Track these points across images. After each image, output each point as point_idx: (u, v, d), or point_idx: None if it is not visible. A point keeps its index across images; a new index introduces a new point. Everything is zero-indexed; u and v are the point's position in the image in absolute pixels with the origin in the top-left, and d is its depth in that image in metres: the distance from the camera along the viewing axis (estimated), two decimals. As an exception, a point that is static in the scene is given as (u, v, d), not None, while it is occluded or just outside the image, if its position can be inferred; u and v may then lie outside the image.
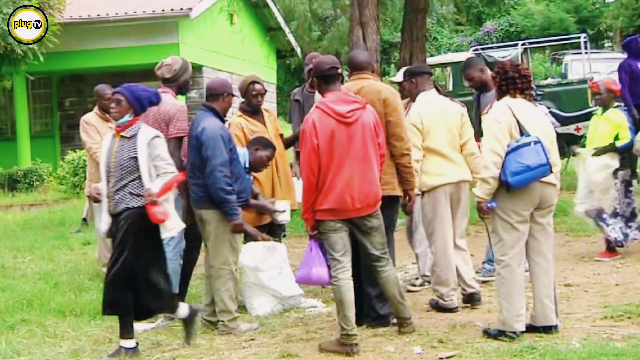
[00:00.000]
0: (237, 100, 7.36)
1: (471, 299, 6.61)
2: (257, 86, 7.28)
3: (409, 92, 6.94)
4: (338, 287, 5.62)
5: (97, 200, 5.88)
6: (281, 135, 7.55)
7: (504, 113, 5.61)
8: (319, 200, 5.66)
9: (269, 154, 6.84)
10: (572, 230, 9.75)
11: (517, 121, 5.60)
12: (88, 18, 17.79)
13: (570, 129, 12.56)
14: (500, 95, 5.75)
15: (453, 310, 6.55)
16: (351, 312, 5.58)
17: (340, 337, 5.55)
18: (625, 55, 11.08)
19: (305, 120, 5.78)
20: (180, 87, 6.90)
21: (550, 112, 12.73)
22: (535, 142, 5.57)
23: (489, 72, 7.25)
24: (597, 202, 8.32)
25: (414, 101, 6.86)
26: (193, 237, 7.10)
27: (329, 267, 5.78)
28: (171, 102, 6.73)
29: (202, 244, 7.03)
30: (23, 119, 18.46)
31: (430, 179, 6.57)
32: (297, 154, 8.01)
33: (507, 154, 5.52)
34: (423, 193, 6.67)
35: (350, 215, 5.68)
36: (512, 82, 5.70)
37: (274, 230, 7.22)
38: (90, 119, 8.29)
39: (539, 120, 5.76)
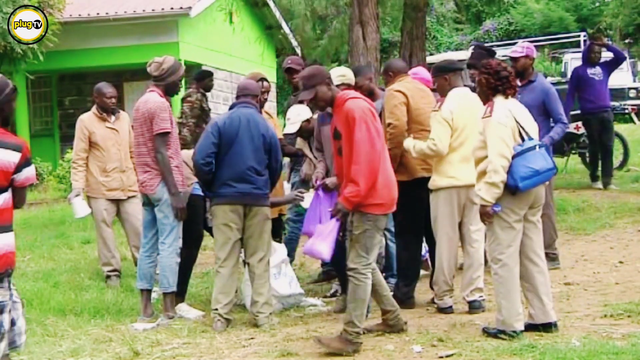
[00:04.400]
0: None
1: (470, 307, 6.57)
2: (265, 83, 7.37)
3: (439, 89, 6.90)
4: (365, 284, 5.59)
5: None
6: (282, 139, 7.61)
7: (507, 116, 5.59)
8: (372, 193, 5.57)
9: None
10: (571, 229, 9.75)
11: (518, 124, 5.61)
12: (88, 17, 17.79)
13: (570, 127, 12.53)
14: (494, 95, 5.71)
15: (445, 310, 6.55)
16: (365, 310, 5.67)
17: (348, 334, 5.52)
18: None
19: (358, 107, 5.59)
20: (168, 88, 6.91)
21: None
22: (540, 146, 5.61)
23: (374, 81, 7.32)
24: None
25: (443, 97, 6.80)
26: (195, 236, 7.11)
27: (337, 245, 5.75)
28: (153, 99, 6.78)
29: (191, 242, 7.09)
30: (23, 118, 18.46)
31: (439, 178, 6.55)
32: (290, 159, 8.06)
33: (513, 157, 5.52)
34: (431, 190, 6.66)
35: (390, 211, 5.79)
36: (507, 80, 5.70)
37: (275, 230, 7.23)
38: (86, 120, 8.29)
39: (532, 122, 5.80)
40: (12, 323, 4.78)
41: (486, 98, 5.78)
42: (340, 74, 6.80)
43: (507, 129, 5.56)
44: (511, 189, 5.53)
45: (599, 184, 11.66)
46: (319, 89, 5.65)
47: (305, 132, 7.32)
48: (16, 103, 4.81)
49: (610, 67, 11.64)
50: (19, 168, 4.58)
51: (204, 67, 18.91)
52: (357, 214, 5.57)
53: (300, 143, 7.51)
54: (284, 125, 7.55)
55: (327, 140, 6.36)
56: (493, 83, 5.71)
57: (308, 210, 6.26)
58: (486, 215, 5.61)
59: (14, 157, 4.56)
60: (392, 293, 7.07)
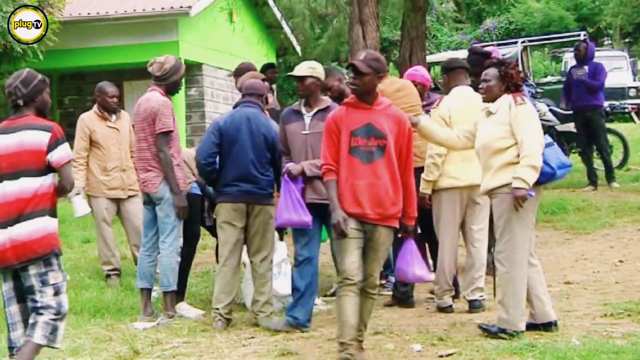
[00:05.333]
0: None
1: (470, 306, 6.58)
2: (265, 83, 7.36)
3: (443, 87, 6.90)
4: None
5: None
6: None
7: None
8: None
9: None
10: (571, 228, 9.75)
11: None
12: (88, 16, 17.77)
13: (570, 126, 12.58)
14: (508, 92, 5.71)
15: (445, 309, 6.54)
16: None
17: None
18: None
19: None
20: (169, 87, 6.91)
21: (550, 109, 12.74)
22: (555, 144, 5.77)
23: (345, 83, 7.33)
24: None
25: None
26: (192, 235, 7.12)
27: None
28: (156, 98, 6.78)
29: (189, 242, 7.09)
30: (23, 117, 18.42)
31: (441, 178, 6.52)
32: None
33: None
34: (433, 191, 6.65)
35: None
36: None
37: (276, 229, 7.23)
38: (87, 119, 8.28)
39: None
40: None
41: (501, 94, 5.72)
42: (311, 66, 6.50)
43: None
44: (547, 177, 5.56)
45: (591, 188, 11.64)
46: (373, 74, 5.32)
47: None
48: (49, 95, 4.92)
49: (593, 77, 11.69)
50: (50, 148, 4.66)
51: (204, 66, 18.92)
52: (387, 229, 5.35)
53: None
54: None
55: (293, 138, 6.29)
56: (517, 78, 5.72)
57: (280, 202, 6.23)
58: (522, 199, 5.48)
59: (45, 137, 4.72)
60: (391, 293, 7.12)
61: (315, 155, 6.10)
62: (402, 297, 6.84)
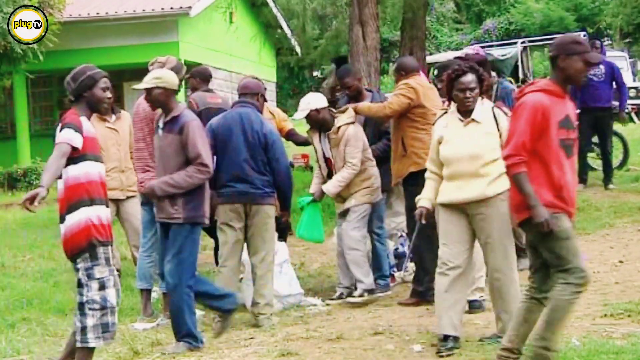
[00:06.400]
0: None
1: (470, 307, 6.56)
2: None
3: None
4: None
5: None
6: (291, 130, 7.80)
7: None
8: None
9: None
10: (571, 228, 9.74)
11: None
12: (88, 17, 17.81)
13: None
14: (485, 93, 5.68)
15: None
16: None
17: None
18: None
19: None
20: None
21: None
22: None
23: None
24: None
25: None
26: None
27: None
28: None
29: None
30: (23, 117, 18.45)
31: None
32: None
33: None
34: None
35: None
36: None
37: (279, 230, 7.21)
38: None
39: None
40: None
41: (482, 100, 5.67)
42: (156, 76, 6.08)
43: None
44: None
45: (582, 186, 11.55)
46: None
47: (314, 121, 7.28)
48: (103, 90, 4.95)
49: (612, 78, 11.65)
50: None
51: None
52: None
53: (309, 133, 7.51)
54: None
55: (163, 151, 5.98)
56: (488, 81, 5.67)
57: None
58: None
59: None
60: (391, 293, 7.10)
61: (165, 170, 5.92)
62: (425, 291, 6.81)
